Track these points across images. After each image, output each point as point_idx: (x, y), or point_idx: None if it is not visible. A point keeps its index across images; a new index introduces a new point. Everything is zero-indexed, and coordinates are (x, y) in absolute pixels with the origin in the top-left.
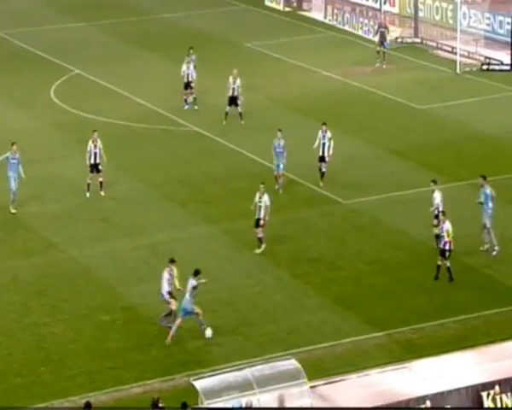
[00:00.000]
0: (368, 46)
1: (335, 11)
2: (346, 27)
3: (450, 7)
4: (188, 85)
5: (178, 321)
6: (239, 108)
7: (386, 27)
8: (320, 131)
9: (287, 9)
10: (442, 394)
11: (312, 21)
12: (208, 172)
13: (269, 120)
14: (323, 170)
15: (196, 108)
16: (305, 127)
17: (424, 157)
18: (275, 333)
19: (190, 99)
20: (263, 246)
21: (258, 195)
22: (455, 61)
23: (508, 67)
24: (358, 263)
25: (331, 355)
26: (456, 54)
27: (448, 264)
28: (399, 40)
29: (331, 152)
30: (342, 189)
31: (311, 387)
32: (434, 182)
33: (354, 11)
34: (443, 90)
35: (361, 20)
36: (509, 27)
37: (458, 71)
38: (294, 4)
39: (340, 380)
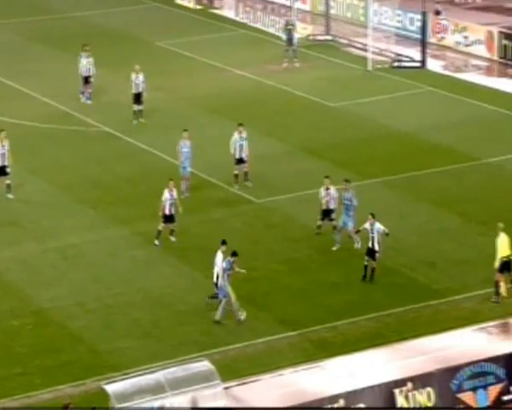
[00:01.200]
0: (280, 44)
1: (247, 9)
2: (258, 25)
3: (362, 4)
4: (86, 80)
5: (223, 302)
6: (141, 106)
7: (293, 25)
8: (236, 133)
9: (197, 7)
10: (355, 392)
11: (224, 19)
12: (119, 173)
13: (180, 119)
14: (245, 170)
15: (90, 102)
16: (217, 127)
17: (337, 155)
18: (188, 335)
19: (87, 94)
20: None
21: (166, 191)
22: (366, 59)
23: (418, 64)
24: (272, 263)
25: (245, 356)
26: (367, 51)
27: (375, 265)
28: (311, 38)
29: (247, 152)
30: (255, 188)
31: (225, 388)
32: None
33: (266, 9)
34: (355, 87)
35: (273, 17)
36: (419, 24)
37: (370, 68)
38: (205, 2)
39: (253, 381)
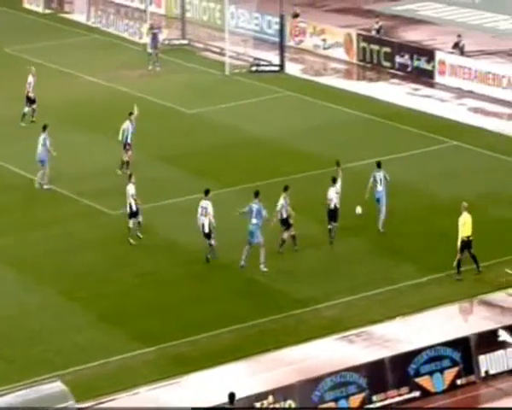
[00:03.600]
0: (134, 49)
1: (99, 13)
2: (111, 30)
3: (218, 7)
4: None
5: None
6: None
7: (159, 28)
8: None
9: (47, 12)
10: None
11: (75, 24)
12: None
13: (28, 129)
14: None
15: None
16: (69, 136)
17: (195, 163)
18: (40, 354)
19: None
20: None
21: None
22: (224, 63)
23: (277, 68)
24: (128, 276)
25: (100, 375)
26: (225, 55)
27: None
28: (167, 42)
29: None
30: (109, 199)
31: (80, 409)
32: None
33: (119, 13)
34: (212, 93)
35: (126, 21)
36: (277, 27)
37: (228, 73)
38: (55, 6)
39: (109, 400)
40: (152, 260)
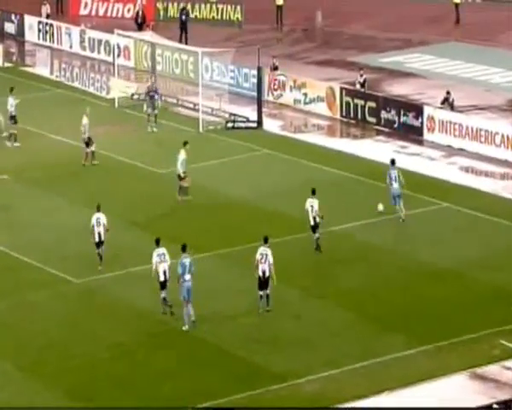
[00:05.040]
0: (101, 104)
1: (63, 66)
2: (76, 84)
3: (191, 59)
4: None
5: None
6: None
7: (155, 91)
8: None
9: (7, 65)
10: None
11: (37, 78)
12: None
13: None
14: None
15: None
16: (32, 200)
17: (166, 227)
18: None
19: None
20: None
21: None
22: (197, 119)
23: (254, 124)
24: (95, 349)
25: None
26: (198, 111)
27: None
28: (136, 97)
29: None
30: (74, 266)
31: None
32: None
33: (84, 66)
34: None
35: (92, 75)
36: (254, 80)
37: (201, 130)
38: (15, 59)
39: None
40: (120, 330)
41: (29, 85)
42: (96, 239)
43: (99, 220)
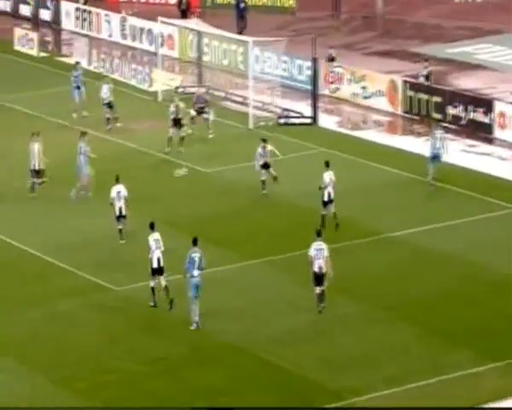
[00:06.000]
0: (142, 98)
1: (102, 56)
2: (116, 76)
3: (241, 49)
4: None
5: None
6: None
7: (206, 101)
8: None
9: (42, 55)
10: None
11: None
12: None
13: (13, 191)
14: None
15: None
16: (67, 200)
17: (210, 230)
18: None
19: None
20: None
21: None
22: (247, 115)
23: (308, 120)
24: (134, 363)
25: None
26: (248, 105)
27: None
28: (180, 90)
29: None
30: (113, 272)
31: None
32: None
33: (125, 56)
34: (233, 149)
35: (133, 66)
36: (309, 73)
37: (251, 126)
38: (51, 49)
39: None
40: (161, 343)
41: (65, 77)
42: (117, 213)
43: (119, 194)
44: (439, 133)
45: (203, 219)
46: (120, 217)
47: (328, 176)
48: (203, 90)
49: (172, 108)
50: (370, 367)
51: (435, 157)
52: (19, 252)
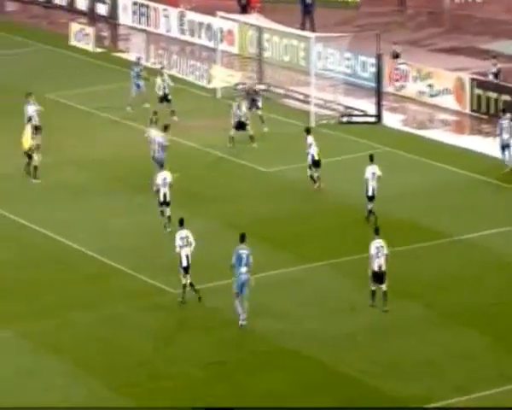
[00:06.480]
0: (200, 94)
1: (159, 52)
2: (174, 72)
3: (303, 45)
4: None
5: None
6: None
7: (256, 92)
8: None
9: (98, 50)
10: None
11: (131, 65)
12: None
13: (72, 187)
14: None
15: None
16: (124, 198)
17: (271, 233)
18: None
19: None
20: None
21: None
22: (308, 113)
23: (372, 119)
24: (192, 368)
25: None
26: (309, 103)
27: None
28: (240, 87)
29: None
30: (168, 275)
31: None
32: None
33: (183, 52)
34: (294, 148)
35: (192, 62)
36: (373, 70)
37: (313, 124)
38: (107, 44)
39: None
40: (219, 347)
41: (122, 73)
42: (161, 199)
43: (165, 180)
44: (505, 123)
45: (259, 219)
46: (164, 203)
47: (372, 170)
48: (254, 82)
49: (237, 111)
50: (434, 374)
51: (506, 146)
52: (76, 253)
